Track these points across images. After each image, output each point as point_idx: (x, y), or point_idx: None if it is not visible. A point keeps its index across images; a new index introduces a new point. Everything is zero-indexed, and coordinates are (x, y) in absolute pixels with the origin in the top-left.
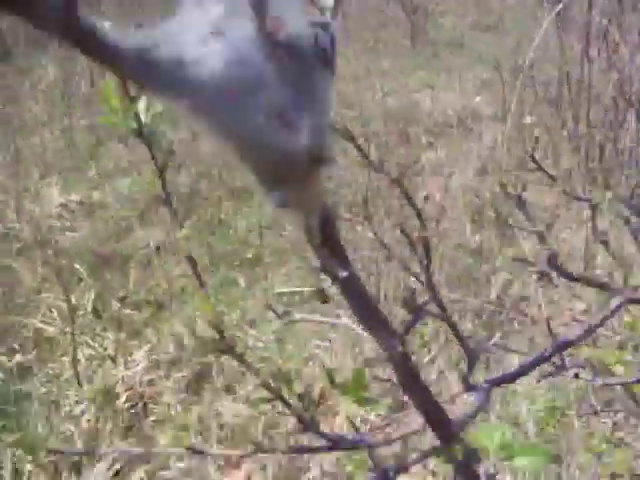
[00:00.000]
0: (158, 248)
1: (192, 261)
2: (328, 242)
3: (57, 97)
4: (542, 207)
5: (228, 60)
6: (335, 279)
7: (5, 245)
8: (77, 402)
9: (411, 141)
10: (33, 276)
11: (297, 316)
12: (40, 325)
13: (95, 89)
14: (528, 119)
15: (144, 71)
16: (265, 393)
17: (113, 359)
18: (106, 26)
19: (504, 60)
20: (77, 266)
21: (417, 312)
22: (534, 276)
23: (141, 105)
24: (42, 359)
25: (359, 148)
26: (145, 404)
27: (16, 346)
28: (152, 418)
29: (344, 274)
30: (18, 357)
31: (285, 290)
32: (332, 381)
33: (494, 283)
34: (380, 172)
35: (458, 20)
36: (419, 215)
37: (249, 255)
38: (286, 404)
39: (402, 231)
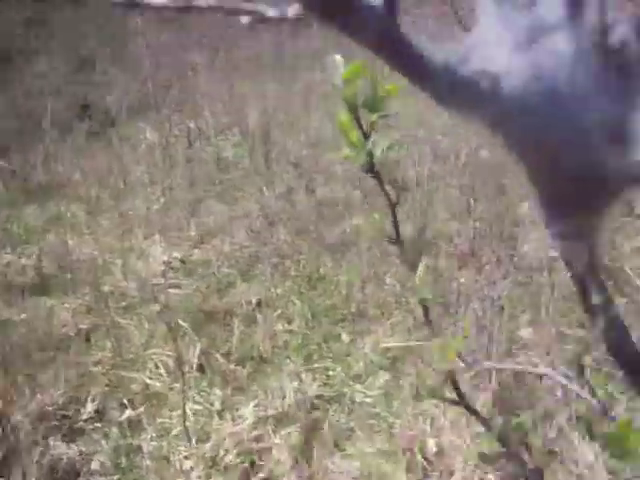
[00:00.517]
0: (259, 303)
1: (425, 308)
2: (595, 274)
3: (158, 159)
4: None
5: (540, 72)
6: (609, 314)
7: (112, 303)
8: (186, 457)
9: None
10: (140, 332)
11: (486, 364)
12: (148, 381)
13: (192, 149)
14: None
15: (451, 85)
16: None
17: (220, 415)
18: (421, 40)
19: None
20: (182, 322)
21: None
22: None
23: (372, 140)
24: (151, 414)
25: None
26: (253, 461)
27: (125, 401)
28: (261, 475)
29: (614, 311)
30: (128, 412)
31: (391, 345)
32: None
33: None
34: None
35: None
36: None
37: (352, 309)
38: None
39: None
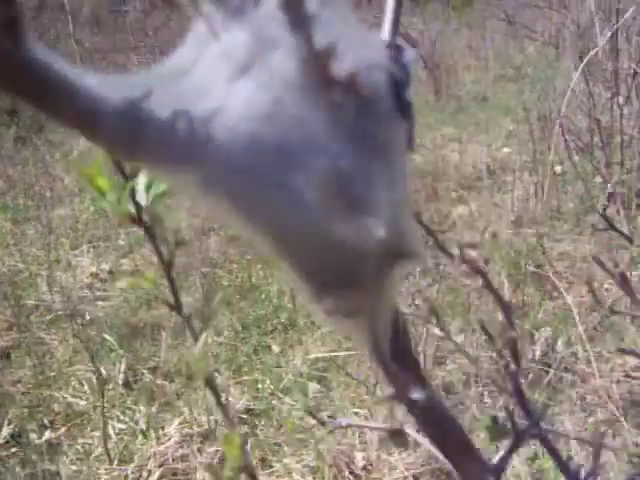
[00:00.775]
0: (189, 315)
1: (215, 392)
2: (400, 358)
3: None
4: (580, 257)
5: (256, 112)
6: (412, 406)
7: (37, 317)
8: None
9: (440, 196)
10: (64, 348)
11: (344, 422)
12: (70, 399)
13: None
14: (558, 168)
15: (132, 133)
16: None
17: (145, 434)
18: (75, 69)
19: (530, 110)
20: (107, 337)
21: (515, 439)
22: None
23: (140, 184)
24: (72, 435)
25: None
26: None
27: (46, 422)
28: None
29: (422, 398)
30: (48, 433)
31: (320, 355)
32: None
33: (537, 339)
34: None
35: (480, 74)
36: (507, 310)
37: (282, 320)
38: None
39: (484, 330)
